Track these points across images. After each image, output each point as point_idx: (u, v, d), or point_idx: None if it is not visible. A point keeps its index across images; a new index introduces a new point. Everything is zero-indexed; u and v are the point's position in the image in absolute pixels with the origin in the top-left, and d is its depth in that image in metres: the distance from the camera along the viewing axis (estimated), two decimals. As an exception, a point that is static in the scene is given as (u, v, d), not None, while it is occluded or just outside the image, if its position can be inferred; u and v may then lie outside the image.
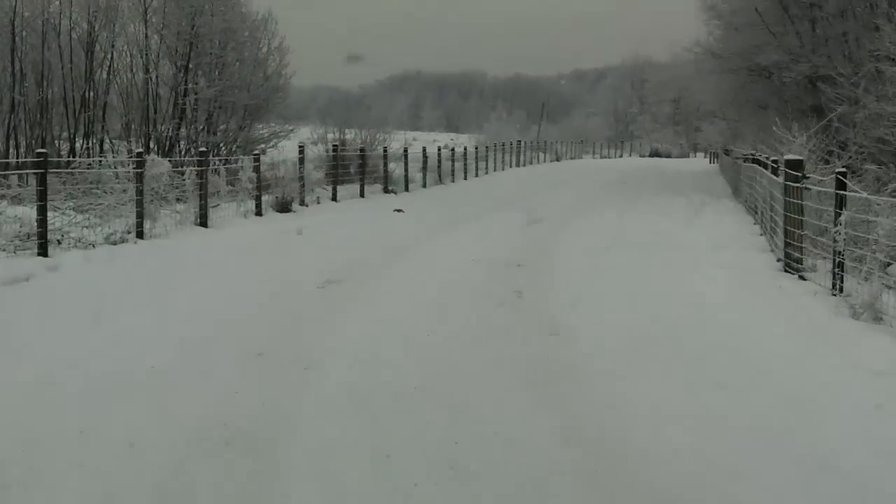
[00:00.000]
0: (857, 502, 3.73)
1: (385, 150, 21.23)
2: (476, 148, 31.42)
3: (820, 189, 8.51)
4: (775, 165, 10.52)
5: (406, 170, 21.86)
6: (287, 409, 4.76)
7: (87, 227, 10.63)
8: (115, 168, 12.21)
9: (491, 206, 17.84)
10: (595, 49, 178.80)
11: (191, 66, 21.33)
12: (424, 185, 22.94)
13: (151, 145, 20.50)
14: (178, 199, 12.98)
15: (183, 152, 20.73)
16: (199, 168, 12.91)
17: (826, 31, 19.82)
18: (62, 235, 10.21)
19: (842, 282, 7.39)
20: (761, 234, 12.37)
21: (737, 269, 9.17)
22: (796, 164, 8.60)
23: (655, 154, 61.69)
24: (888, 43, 13.88)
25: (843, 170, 7.24)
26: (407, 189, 21.54)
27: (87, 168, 11.89)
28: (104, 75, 20.64)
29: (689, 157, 62.11)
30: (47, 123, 19.34)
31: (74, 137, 19.92)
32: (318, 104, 70.65)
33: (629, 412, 4.76)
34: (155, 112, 21.10)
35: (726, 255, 10.23)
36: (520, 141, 40.06)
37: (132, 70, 21.38)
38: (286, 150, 21.13)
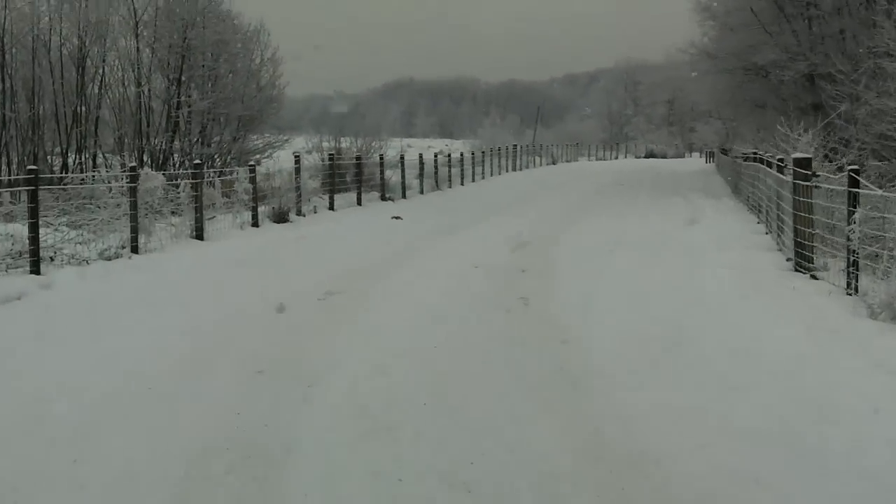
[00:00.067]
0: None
1: (381, 158, 21.06)
2: (472, 153, 31.26)
3: (830, 187, 8.34)
4: (781, 164, 10.36)
5: (403, 177, 21.68)
6: (292, 431, 4.54)
7: (80, 243, 10.43)
8: (108, 182, 12.02)
9: (490, 211, 17.66)
10: (587, 53, 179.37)
11: (183, 78, 21.14)
12: (422, 192, 22.78)
13: (145, 159, 20.29)
14: (173, 213, 12.79)
15: (177, 165, 20.53)
16: (194, 180, 12.72)
17: (823, 29, 19.74)
18: (55, 252, 10.00)
19: (857, 281, 7.21)
20: (766, 233, 12.21)
21: (746, 269, 8.99)
22: (805, 163, 8.44)
23: (651, 155, 61.72)
24: (888, 39, 13.76)
25: (856, 167, 7.07)
26: (404, 196, 21.35)
27: (80, 183, 11.70)
28: (96, 90, 20.42)
29: (684, 157, 62.12)
30: (39, 139, 19.11)
31: (67, 152, 19.70)
32: (312, 114, 70.45)
33: (651, 426, 4.55)
34: (148, 125, 20.88)
35: (733, 255, 10.05)
36: (516, 145, 39.92)
37: (124, 84, 21.16)
38: (281, 160, 20.95)
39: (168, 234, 11.99)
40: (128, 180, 11.28)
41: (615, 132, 76.30)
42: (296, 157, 17.43)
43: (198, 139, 21.69)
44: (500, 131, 51.24)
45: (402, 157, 22.05)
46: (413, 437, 4.43)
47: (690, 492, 3.77)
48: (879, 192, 7.21)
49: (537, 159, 43.94)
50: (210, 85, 21.81)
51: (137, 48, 20.96)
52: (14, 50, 18.97)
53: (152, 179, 12.09)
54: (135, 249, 10.88)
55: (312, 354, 6.09)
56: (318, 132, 25.79)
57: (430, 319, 7.12)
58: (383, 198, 20.27)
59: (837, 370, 5.35)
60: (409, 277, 9.36)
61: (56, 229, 10.55)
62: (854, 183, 7.00)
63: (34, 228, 9.21)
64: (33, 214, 9.23)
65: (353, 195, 19.16)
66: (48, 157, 19.56)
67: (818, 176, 8.30)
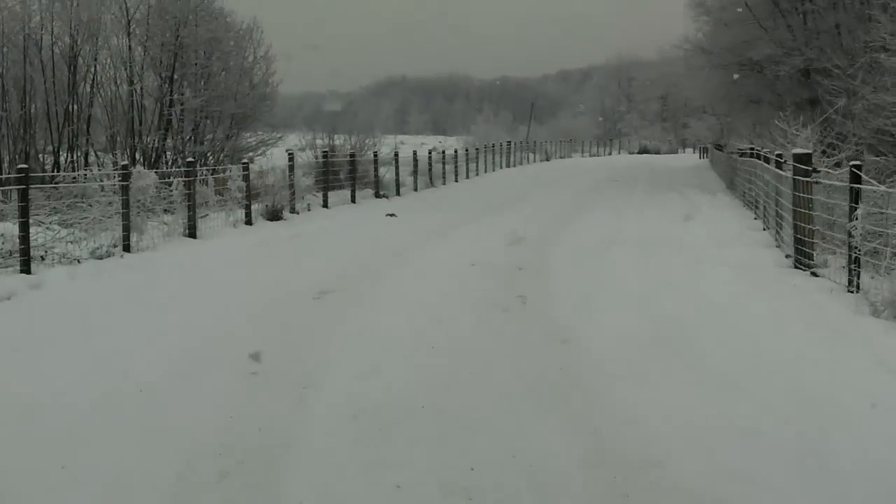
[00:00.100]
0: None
1: (375, 155, 20.93)
2: (466, 150, 31.14)
3: (831, 183, 8.27)
4: (780, 160, 10.28)
5: (397, 174, 21.56)
6: (287, 435, 4.43)
7: (72, 242, 10.30)
8: (100, 181, 11.88)
9: (485, 208, 17.56)
10: (580, 49, 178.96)
11: (176, 76, 21.00)
12: (416, 189, 22.66)
13: (137, 157, 20.15)
14: (165, 211, 12.66)
15: (170, 163, 20.37)
16: (187, 178, 12.59)
17: (818, 24, 19.70)
18: (46, 251, 9.87)
19: (858, 278, 7.13)
20: (764, 230, 12.14)
21: (745, 266, 8.91)
22: (805, 158, 8.35)
23: (644, 151, 61.63)
24: (884, 34, 13.70)
25: (858, 163, 6.99)
26: (398, 193, 21.24)
27: (72, 182, 11.57)
28: (88, 88, 20.25)
29: (677, 153, 62.08)
30: (31, 138, 18.95)
31: (59, 151, 19.54)
32: (305, 112, 70.20)
33: (651, 425, 4.47)
34: (140, 124, 20.74)
35: (732, 252, 9.97)
36: (510, 142, 39.81)
37: (116, 82, 21.00)
38: (274, 157, 20.81)
39: (160, 233, 11.86)
40: (120, 178, 11.15)
41: (608, 128, 76.21)
42: (289, 154, 17.30)
43: (190, 137, 21.55)
44: (493, 128, 51.14)
45: (396, 155, 21.93)
46: (411, 441, 4.33)
47: (690, 492, 3.70)
48: (882, 188, 7.13)
49: (531, 156, 43.82)
50: (203, 83, 21.67)
51: (129, 46, 20.81)
52: (5, 49, 18.81)
53: (144, 177, 11.98)
54: (127, 248, 10.75)
55: (307, 355, 5.98)
56: (312, 130, 25.64)
57: (427, 319, 7.00)
58: (377, 195, 20.15)
59: (840, 369, 5.28)
60: (405, 275, 9.25)
61: (47, 228, 10.42)
62: (856, 179, 6.93)
63: (25, 227, 9.08)
64: (24, 213, 9.11)
65: (347, 192, 19.05)
66: (40, 155, 19.42)
67: (818, 172, 8.21)
